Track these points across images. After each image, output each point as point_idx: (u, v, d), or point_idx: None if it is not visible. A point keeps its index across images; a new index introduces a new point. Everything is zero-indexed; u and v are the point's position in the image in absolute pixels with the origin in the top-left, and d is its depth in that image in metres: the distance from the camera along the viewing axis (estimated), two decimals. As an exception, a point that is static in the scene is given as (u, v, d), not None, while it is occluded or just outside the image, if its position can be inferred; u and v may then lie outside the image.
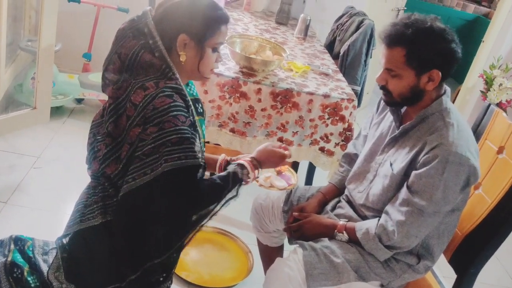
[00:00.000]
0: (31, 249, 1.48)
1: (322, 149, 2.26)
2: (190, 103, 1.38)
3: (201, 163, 1.33)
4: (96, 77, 3.11)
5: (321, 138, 2.24)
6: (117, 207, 1.35)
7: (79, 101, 3.40)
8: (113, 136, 1.34)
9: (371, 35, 2.74)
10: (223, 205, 1.40)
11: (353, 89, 2.47)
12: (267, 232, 1.91)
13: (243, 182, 1.44)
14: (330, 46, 3.04)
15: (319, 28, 3.35)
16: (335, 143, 2.25)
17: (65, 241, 1.40)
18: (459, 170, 1.41)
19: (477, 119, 1.86)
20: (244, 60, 2.12)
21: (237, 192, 1.42)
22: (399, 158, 1.54)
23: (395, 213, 1.49)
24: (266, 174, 1.79)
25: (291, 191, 1.89)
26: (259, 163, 1.50)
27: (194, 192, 1.31)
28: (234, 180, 1.42)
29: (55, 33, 2.57)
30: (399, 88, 1.49)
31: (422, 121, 1.51)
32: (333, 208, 1.76)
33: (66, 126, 3.14)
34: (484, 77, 3.50)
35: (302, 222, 1.67)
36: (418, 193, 1.44)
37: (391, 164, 1.55)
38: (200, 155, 1.33)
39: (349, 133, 2.22)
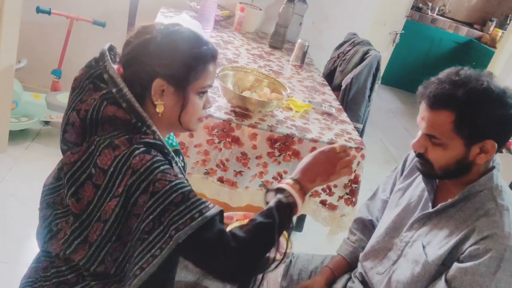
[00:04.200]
0: None
1: (323, 202, 1.95)
2: (173, 155, 1.09)
3: (219, 208, 1.00)
4: (66, 98, 2.72)
5: (323, 190, 1.93)
6: None
7: (47, 122, 3.02)
8: (75, 213, 1.02)
9: (377, 68, 2.45)
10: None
11: (355, 127, 2.19)
12: (260, 311, 1.60)
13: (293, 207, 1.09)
14: (329, 76, 2.74)
15: (316, 53, 3.05)
16: (339, 196, 1.94)
17: None
18: None
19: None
20: (238, 99, 1.80)
21: (291, 222, 1.10)
22: (434, 241, 1.24)
23: (427, 313, 1.19)
24: None
25: (290, 261, 1.58)
26: (299, 182, 1.12)
27: (233, 243, 0.97)
28: (280, 210, 1.06)
29: (15, 52, 2.20)
30: (442, 159, 1.19)
31: (467, 199, 1.22)
32: (343, 290, 1.46)
33: (29, 152, 2.76)
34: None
35: (306, 310, 1.38)
36: (461, 293, 1.14)
37: (423, 247, 1.25)
38: None
39: (355, 186, 1.92)
